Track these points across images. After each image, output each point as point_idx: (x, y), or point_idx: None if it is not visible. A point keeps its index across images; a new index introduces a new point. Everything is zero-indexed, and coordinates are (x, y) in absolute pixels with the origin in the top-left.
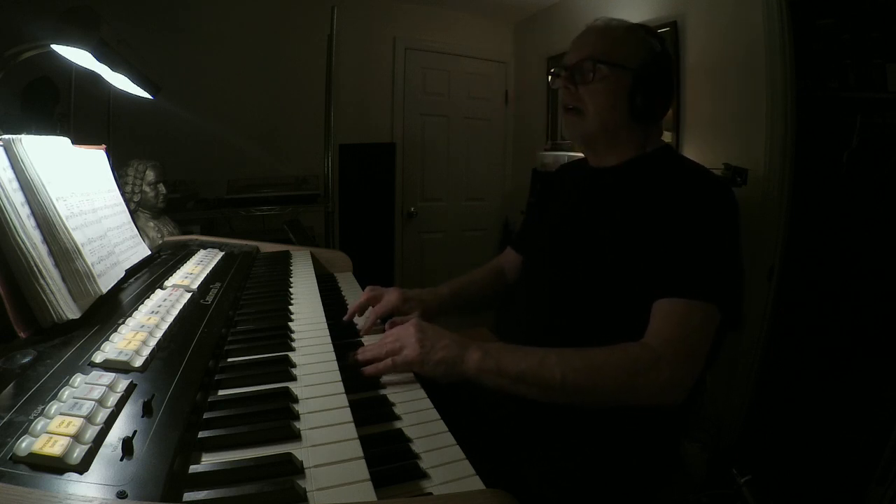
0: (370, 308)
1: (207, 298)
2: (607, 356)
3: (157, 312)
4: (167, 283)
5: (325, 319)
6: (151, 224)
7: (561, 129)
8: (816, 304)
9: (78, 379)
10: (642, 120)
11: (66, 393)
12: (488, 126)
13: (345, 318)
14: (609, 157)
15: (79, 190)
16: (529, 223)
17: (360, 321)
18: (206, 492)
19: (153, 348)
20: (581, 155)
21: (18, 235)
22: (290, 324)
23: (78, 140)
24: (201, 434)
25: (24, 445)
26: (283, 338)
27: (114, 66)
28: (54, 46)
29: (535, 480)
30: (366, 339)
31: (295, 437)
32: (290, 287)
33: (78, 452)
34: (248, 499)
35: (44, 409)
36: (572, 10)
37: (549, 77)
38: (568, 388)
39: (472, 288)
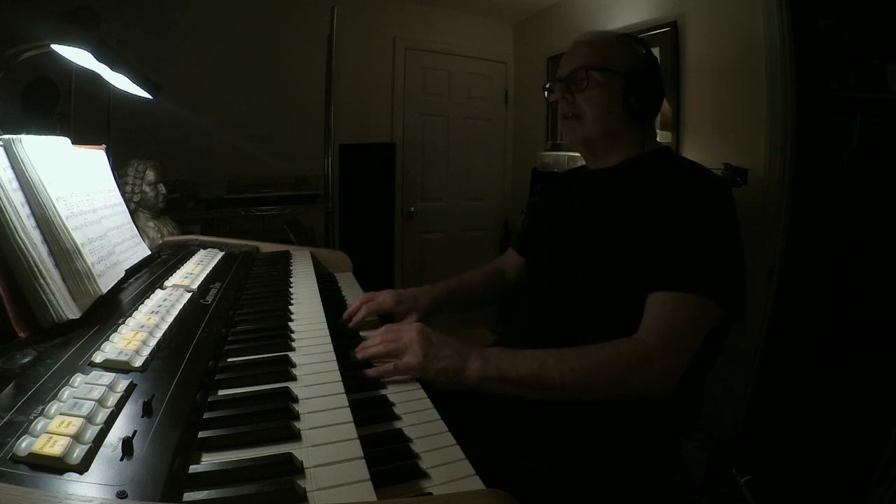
0: (364, 306)
1: (207, 298)
2: (602, 354)
3: (157, 312)
4: (167, 283)
5: (325, 319)
6: (151, 224)
7: (560, 133)
8: (816, 303)
9: (78, 379)
10: (637, 120)
11: (66, 393)
12: (488, 126)
13: (342, 318)
14: (608, 159)
15: (79, 190)
16: (531, 225)
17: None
18: (206, 492)
19: (153, 348)
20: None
21: (18, 235)
22: (290, 324)
23: (78, 140)
24: (201, 434)
25: (24, 445)
26: (283, 338)
27: (114, 66)
28: (54, 46)
29: (535, 480)
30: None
31: (295, 437)
32: (290, 287)
33: (78, 452)
34: (248, 499)
35: (44, 409)
36: (572, 10)
37: (545, 92)
38: (567, 388)
39: (470, 287)
